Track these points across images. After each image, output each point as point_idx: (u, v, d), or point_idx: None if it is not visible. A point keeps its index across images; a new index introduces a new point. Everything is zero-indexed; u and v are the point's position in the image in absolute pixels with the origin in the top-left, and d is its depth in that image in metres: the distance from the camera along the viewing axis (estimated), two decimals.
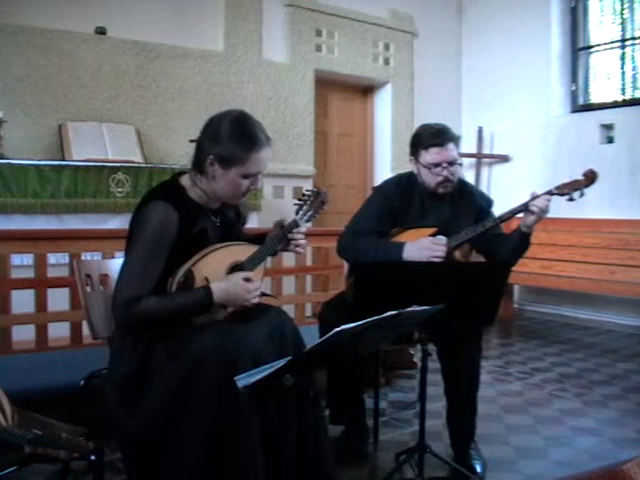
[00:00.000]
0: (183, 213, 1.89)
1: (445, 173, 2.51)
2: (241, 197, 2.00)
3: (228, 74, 5.26)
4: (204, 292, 1.86)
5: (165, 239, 1.86)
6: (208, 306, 1.87)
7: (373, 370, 2.91)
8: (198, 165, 1.94)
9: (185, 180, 1.99)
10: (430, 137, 2.53)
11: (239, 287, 1.89)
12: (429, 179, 2.55)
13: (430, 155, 2.51)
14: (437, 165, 2.51)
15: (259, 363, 1.68)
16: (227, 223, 2.07)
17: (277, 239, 2.09)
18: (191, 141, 1.97)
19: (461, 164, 2.61)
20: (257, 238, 2.15)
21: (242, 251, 2.03)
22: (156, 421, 1.78)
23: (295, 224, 2.10)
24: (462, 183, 2.70)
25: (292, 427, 1.84)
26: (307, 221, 2.15)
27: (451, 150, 2.52)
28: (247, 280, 1.91)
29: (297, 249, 2.14)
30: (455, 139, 2.55)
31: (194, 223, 1.93)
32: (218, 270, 1.95)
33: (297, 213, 2.13)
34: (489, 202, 2.72)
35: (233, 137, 1.88)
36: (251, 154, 1.89)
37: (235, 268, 1.98)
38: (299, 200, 2.16)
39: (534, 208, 2.40)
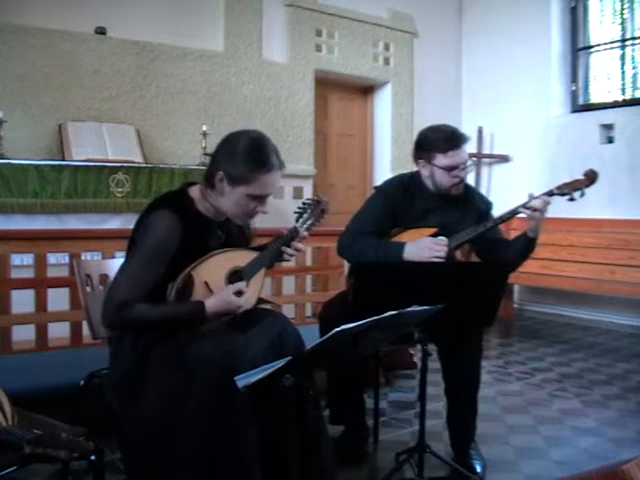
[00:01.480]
0: (188, 224, 1.89)
1: (462, 174, 2.55)
2: (247, 218, 2.00)
3: (228, 74, 5.25)
4: (197, 307, 1.85)
5: (167, 249, 1.85)
6: (199, 321, 1.85)
7: (373, 370, 2.91)
8: (209, 179, 1.94)
9: (194, 192, 1.98)
10: (447, 140, 2.53)
11: (230, 305, 1.88)
12: (445, 181, 2.55)
13: (448, 158, 2.51)
14: (454, 168, 2.52)
15: None
16: (231, 238, 2.06)
17: (277, 246, 2.08)
18: (206, 155, 1.98)
19: (471, 164, 2.63)
20: (257, 248, 2.15)
21: (241, 256, 2.02)
22: (154, 423, 1.78)
23: (295, 232, 2.10)
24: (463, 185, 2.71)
25: (292, 427, 1.83)
26: (307, 229, 2.14)
27: (465, 152, 2.56)
28: (238, 293, 1.90)
29: (287, 257, 2.13)
30: (467, 141, 2.59)
31: (198, 236, 1.93)
32: (218, 275, 1.94)
33: (297, 221, 2.13)
34: (488, 205, 2.72)
35: (246, 156, 1.88)
36: (259, 175, 1.88)
37: (235, 274, 1.98)
38: (299, 208, 2.16)
39: (527, 211, 2.40)
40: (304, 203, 2.16)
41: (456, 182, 2.55)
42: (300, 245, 2.11)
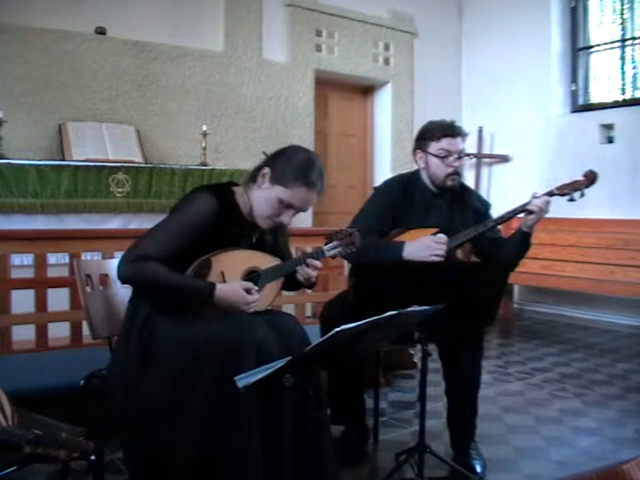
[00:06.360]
0: (223, 210, 1.97)
1: (456, 164, 2.55)
2: (269, 220, 2.03)
3: (228, 74, 5.26)
4: (207, 286, 1.89)
5: (198, 224, 1.92)
6: (205, 300, 1.89)
7: (373, 370, 2.91)
8: (254, 174, 2.03)
9: (237, 188, 2.08)
10: (443, 129, 2.57)
11: (239, 297, 1.91)
12: (439, 170, 2.57)
13: (442, 145, 2.55)
14: (448, 155, 2.53)
15: (263, 353, 1.74)
16: (262, 241, 2.11)
17: (300, 261, 2.10)
18: (264, 153, 2.09)
19: (470, 156, 2.64)
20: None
21: (263, 259, 2.06)
22: (157, 403, 1.80)
23: (321, 253, 2.13)
24: (462, 184, 2.71)
25: (288, 426, 1.83)
26: (333, 256, 2.17)
27: (460, 144, 2.58)
28: (248, 291, 1.93)
29: (299, 276, 2.14)
30: (464, 135, 2.61)
31: (230, 225, 1.99)
32: (235, 269, 1.99)
33: (326, 244, 2.16)
34: (486, 206, 2.73)
35: (296, 166, 1.97)
36: (300, 186, 1.97)
37: (251, 273, 2.02)
38: (331, 235, 2.19)
39: (533, 207, 2.41)
40: (337, 232, 2.19)
41: (450, 172, 2.56)
42: (312, 272, 2.10)
